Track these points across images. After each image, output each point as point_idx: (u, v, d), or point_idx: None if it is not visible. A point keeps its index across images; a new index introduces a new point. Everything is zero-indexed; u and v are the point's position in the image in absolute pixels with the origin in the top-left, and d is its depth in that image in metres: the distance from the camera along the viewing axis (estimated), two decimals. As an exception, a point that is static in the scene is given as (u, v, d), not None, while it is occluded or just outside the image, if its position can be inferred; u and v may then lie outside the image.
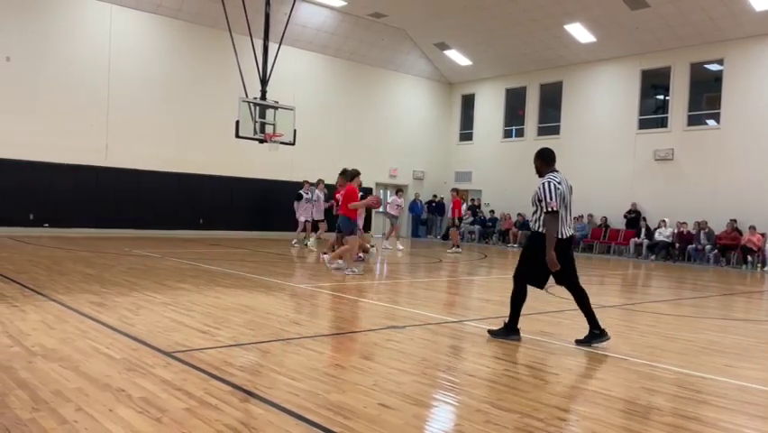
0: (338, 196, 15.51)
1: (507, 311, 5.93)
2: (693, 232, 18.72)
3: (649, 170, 20.65)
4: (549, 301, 8.35)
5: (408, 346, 5.50)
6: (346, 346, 5.33)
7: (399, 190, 19.02)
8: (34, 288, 7.73)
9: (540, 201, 5.65)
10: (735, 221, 17.86)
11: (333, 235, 15.85)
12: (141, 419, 3.32)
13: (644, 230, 19.75)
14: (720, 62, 19.46)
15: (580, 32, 20.98)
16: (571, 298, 5.81)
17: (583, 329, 5.80)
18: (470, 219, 24.47)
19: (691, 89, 20.09)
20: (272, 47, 14.36)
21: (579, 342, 5.77)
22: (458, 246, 18.26)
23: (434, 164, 27.00)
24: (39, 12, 17.48)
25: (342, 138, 23.56)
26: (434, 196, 26.35)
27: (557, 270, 5.59)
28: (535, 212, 5.74)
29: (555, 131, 23.45)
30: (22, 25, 17.22)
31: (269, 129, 14.39)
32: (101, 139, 18.57)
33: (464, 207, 21.32)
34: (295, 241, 17.56)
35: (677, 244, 18.91)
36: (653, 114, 21.67)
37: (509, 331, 5.87)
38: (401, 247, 17.64)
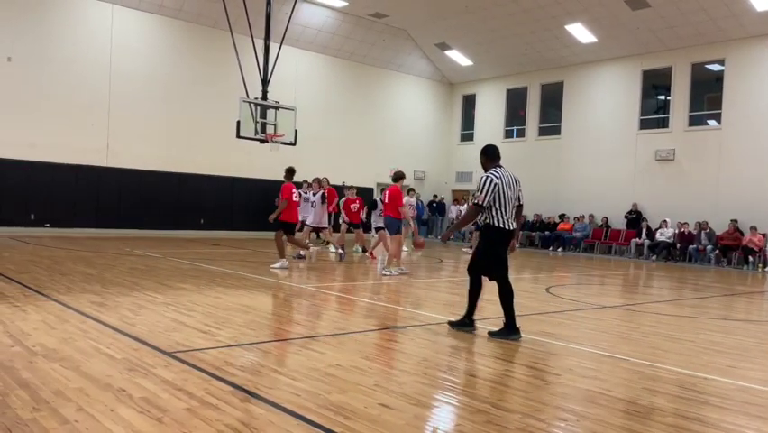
0: (352, 205, 15.47)
1: (507, 311, 5.91)
2: (694, 232, 18.70)
3: (650, 170, 20.63)
4: (549, 301, 8.34)
5: (409, 347, 5.50)
6: (347, 346, 5.33)
7: (411, 190, 18.60)
8: (35, 288, 7.73)
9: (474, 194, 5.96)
10: (736, 221, 17.84)
11: (335, 237, 15.89)
12: (142, 419, 3.32)
13: (645, 230, 19.74)
14: (721, 62, 19.44)
15: (581, 33, 20.97)
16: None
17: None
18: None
19: (692, 89, 20.08)
20: (273, 47, 14.35)
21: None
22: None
23: (435, 164, 26.99)
24: (40, 12, 17.49)
25: (343, 138, 23.56)
26: (435, 196, 26.35)
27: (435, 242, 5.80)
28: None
29: (556, 131, 23.44)
30: (24, 25, 17.24)
31: (270, 129, 14.36)
32: (102, 139, 18.60)
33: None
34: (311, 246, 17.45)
35: (678, 245, 18.89)
36: (654, 114, 21.64)
37: (510, 331, 5.89)
38: (406, 249, 17.60)
